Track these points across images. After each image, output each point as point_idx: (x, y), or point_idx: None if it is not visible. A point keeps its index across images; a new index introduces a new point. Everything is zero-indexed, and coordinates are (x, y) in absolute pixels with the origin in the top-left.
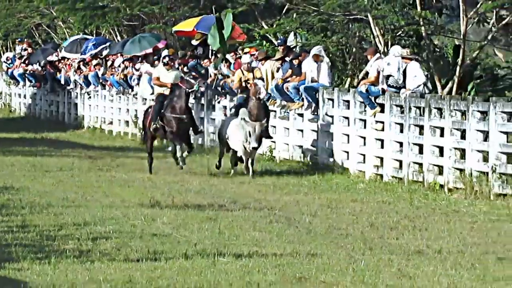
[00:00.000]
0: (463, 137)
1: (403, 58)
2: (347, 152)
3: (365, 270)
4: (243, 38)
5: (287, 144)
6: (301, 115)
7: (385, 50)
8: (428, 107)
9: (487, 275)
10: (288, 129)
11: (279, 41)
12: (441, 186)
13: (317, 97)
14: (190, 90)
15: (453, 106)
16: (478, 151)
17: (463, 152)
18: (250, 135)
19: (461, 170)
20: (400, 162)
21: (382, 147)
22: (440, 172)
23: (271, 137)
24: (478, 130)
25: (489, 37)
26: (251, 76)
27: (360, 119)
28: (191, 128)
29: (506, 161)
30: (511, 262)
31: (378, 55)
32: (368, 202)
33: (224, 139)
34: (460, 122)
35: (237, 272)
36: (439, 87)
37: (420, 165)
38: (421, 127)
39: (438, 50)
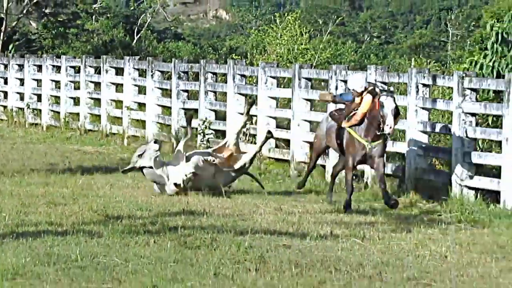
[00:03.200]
0: (6, 83)
1: None
2: None
3: None
4: None
5: None
6: None
7: None
8: None
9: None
10: None
11: None
12: None
13: None
14: None
15: None
16: (17, 93)
17: (5, 94)
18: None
19: (5, 107)
20: None
21: None
22: None
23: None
24: (16, 78)
25: (25, 11)
26: None
27: None
28: None
29: (37, 99)
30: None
31: None
32: None
33: None
34: (3, 72)
35: None
36: None
37: None
38: None
39: None
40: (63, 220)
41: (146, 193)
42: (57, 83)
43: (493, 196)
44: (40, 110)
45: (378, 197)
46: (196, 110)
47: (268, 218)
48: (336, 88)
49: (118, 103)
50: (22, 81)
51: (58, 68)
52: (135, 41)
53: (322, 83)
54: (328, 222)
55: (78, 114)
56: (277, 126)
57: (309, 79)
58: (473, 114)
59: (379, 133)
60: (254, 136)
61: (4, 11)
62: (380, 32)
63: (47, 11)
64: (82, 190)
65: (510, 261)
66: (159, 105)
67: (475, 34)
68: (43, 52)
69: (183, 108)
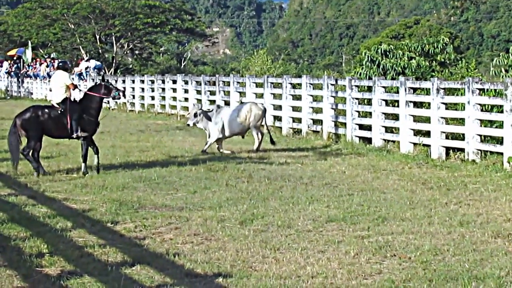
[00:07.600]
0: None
1: None
2: None
3: None
4: None
5: None
6: None
7: None
8: None
9: (126, 139)
10: None
11: None
12: None
13: None
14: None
15: None
16: None
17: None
18: None
19: (117, 102)
20: None
21: None
22: None
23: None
24: (123, 87)
25: (125, 53)
26: None
27: None
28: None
29: (133, 97)
30: None
31: None
32: None
33: None
34: (141, 84)
35: None
36: None
37: None
38: None
39: None
40: (147, 158)
41: (189, 144)
42: (142, 89)
43: (368, 140)
44: (134, 103)
45: (309, 142)
46: (215, 101)
47: (253, 155)
48: (286, 87)
49: (174, 98)
50: (125, 88)
51: (142, 81)
52: (182, 66)
53: (279, 85)
54: (284, 156)
55: (153, 104)
56: None
57: (272, 83)
58: (357, 98)
59: None
60: None
61: (114, 53)
62: (308, 58)
63: (136, 52)
64: (156, 143)
65: (377, 173)
66: (195, 99)
67: (356, 57)
68: (135, 73)
69: (208, 100)
